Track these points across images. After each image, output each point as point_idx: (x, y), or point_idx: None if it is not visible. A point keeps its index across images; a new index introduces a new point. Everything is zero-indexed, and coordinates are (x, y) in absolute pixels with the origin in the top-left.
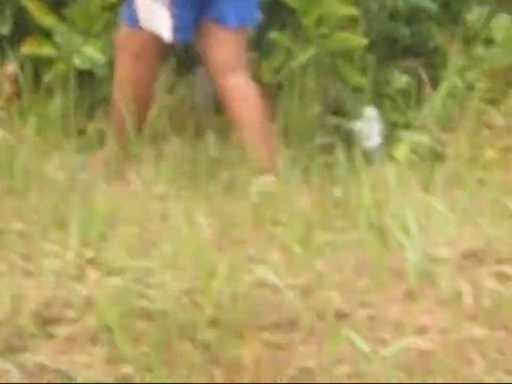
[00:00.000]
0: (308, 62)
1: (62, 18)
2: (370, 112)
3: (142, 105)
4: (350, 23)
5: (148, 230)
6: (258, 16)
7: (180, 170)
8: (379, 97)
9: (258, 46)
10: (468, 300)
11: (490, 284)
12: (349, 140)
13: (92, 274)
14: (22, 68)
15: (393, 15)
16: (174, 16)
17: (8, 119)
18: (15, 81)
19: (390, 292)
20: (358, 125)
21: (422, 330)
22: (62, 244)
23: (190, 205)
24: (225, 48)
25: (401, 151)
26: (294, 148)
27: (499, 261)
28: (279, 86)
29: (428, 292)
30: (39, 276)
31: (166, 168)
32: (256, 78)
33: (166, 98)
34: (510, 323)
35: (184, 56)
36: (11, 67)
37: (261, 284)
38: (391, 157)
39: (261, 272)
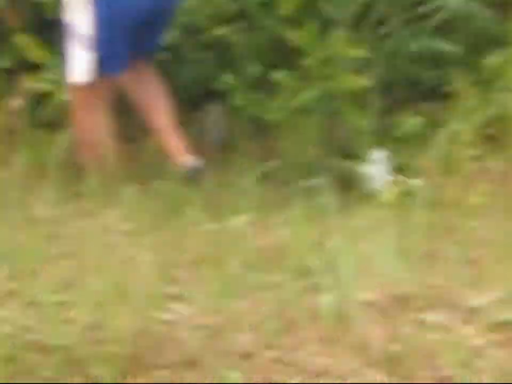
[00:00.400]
0: (310, 103)
1: (55, 52)
2: (378, 155)
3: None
4: (365, 65)
5: (85, 263)
6: None
7: (157, 207)
8: (389, 140)
9: (263, 85)
10: (377, 345)
11: (406, 330)
12: (350, 182)
13: (9, 306)
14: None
15: (414, 58)
16: (100, 56)
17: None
18: (18, 114)
19: (302, 335)
20: (363, 168)
21: (321, 374)
22: None
23: (145, 240)
24: None
25: (390, 194)
26: (288, 187)
27: (422, 308)
28: (281, 126)
29: (341, 336)
30: None
31: (142, 205)
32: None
33: None
34: (411, 372)
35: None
36: (15, 100)
37: (171, 322)
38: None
39: (175, 309)
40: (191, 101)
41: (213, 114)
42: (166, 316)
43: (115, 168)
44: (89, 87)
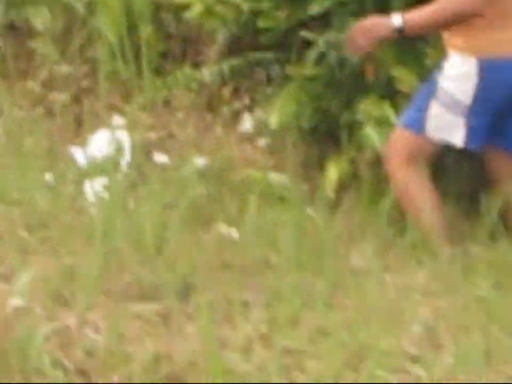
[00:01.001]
0: None
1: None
2: None
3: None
4: None
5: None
6: None
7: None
8: None
9: None
10: None
11: None
12: None
13: (258, 350)
14: None
15: None
16: (470, 126)
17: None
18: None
19: None
20: None
21: None
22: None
23: (439, 302)
24: None
25: None
26: None
27: None
28: None
29: None
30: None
31: (452, 267)
32: None
33: None
34: None
35: None
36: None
37: None
38: None
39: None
40: None
41: None
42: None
43: (437, 226)
44: (424, 145)
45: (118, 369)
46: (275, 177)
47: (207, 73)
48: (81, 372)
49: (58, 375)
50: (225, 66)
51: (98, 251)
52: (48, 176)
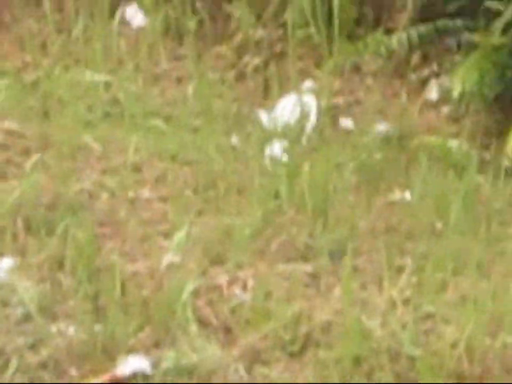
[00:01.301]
0: None
1: None
2: None
3: None
4: None
5: None
6: None
7: None
8: None
9: None
10: None
11: None
12: None
13: (398, 315)
14: None
15: None
16: None
17: None
18: None
19: None
20: None
21: None
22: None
23: None
24: None
25: None
26: None
27: None
28: None
29: None
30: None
31: None
32: None
33: None
34: None
35: None
36: None
37: None
38: None
39: None
40: None
41: None
42: None
43: None
44: None
45: (260, 326)
46: (454, 144)
47: (395, 40)
48: (225, 328)
49: (201, 331)
50: (414, 32)
51: (257, 211)
52: (232, 139)
